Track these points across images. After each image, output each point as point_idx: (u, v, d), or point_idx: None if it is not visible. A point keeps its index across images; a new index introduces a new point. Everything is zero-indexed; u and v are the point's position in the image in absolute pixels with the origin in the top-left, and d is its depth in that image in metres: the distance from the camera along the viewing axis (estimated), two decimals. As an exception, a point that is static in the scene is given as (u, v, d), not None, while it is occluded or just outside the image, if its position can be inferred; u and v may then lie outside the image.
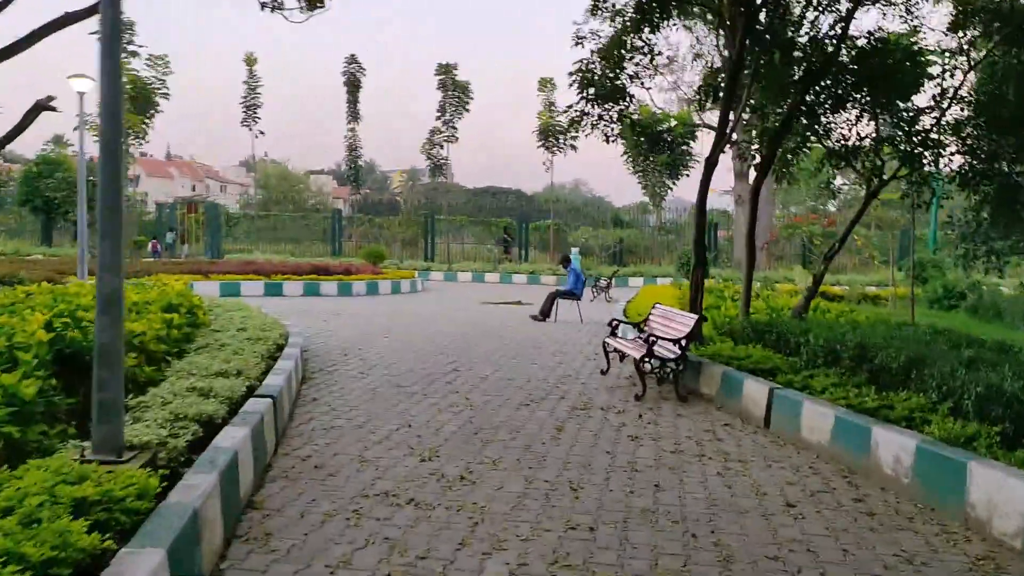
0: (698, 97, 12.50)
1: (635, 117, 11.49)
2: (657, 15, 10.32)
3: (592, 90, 11.03)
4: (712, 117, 39.22)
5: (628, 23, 10.48)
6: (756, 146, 15.35)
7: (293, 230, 47.12)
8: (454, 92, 40.30)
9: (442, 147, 41.24)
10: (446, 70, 40.07)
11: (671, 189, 39.80)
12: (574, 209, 52.61)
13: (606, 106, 11.08)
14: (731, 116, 11.13)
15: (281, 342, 9.97)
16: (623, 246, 39.87)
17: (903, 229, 33.51)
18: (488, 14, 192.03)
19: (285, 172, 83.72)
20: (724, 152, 12.05)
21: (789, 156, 13.84)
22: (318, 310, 19.01)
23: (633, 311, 16.56)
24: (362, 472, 5.86)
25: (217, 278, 22.64)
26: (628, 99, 11.19)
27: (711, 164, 10.88)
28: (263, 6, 9.52)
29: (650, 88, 11.40)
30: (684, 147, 38.85)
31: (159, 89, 30.72)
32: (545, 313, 18.36)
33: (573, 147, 39.17)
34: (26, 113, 10.78)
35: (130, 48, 28.79)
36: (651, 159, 38.41)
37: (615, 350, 10.51)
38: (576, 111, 10.95)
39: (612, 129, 11.20)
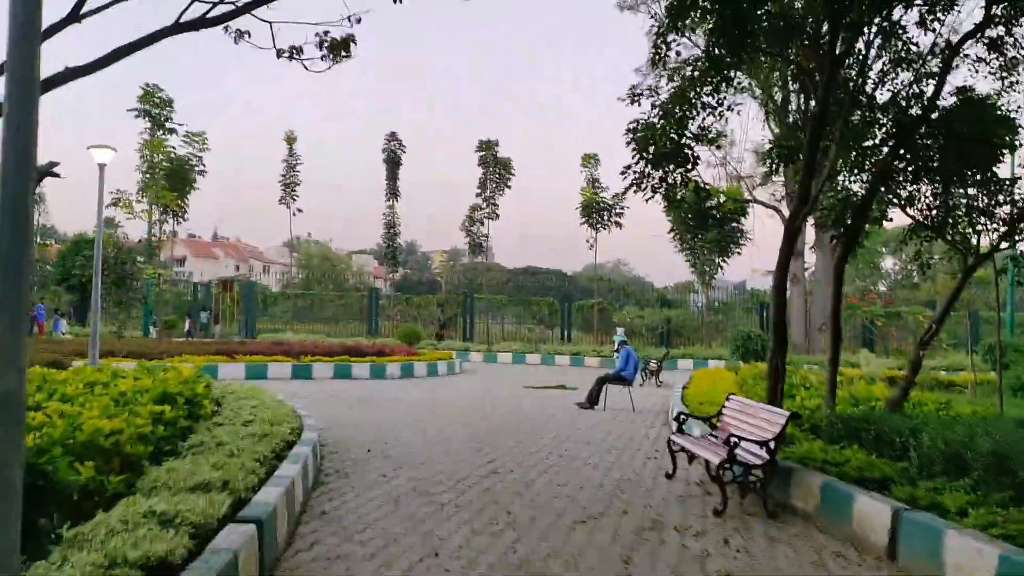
0: (769, 160, 11.09)
1: (699, 182, 10.11)
2: (727, 65, 9.04)
3: (652, 150, 9.71)
4: (763, 193, 38.00)
5: (694, 75, 9.23)
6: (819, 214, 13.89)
7: (330, 309, 46.28)
8: (495, 169, 39.62)
9: (483, 224, 40.36)
10: (487, 147, 39.50)
11: (721, 268, 38.28)
12: (617, 288, 51.11)
13: (668, 167, 9.74)
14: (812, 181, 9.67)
15: (292, 438, 8.55)
16: (670, 327, 38.21)
17: (972, 310, 31.41)
18: (528, 89, 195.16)
19: (327, 252, 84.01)
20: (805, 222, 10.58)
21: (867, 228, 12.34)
22: (346, 395, 17.63)
23: (692, 399, 14.86)
24: (368, 634, 4.32)
25: (244, 359, 21.46)
26: (693, 161, 9.85)
27: (792, 234, 9.45)
28: (279, 53, 8.46)
29: (720, 145, 9.99)
30: (734, 224, 37.69)
31: (196, 166, 30.43)
32: (593, 400, 16.76)
33: (618, 224, 38.01)
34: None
35: (168, 125, 28.66)
36: (699, 236, 37.12)
37: (683, 449, 8.91)
38: (635, 172, 9.62)
39: (675, 193, 9.84)
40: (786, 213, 35.81)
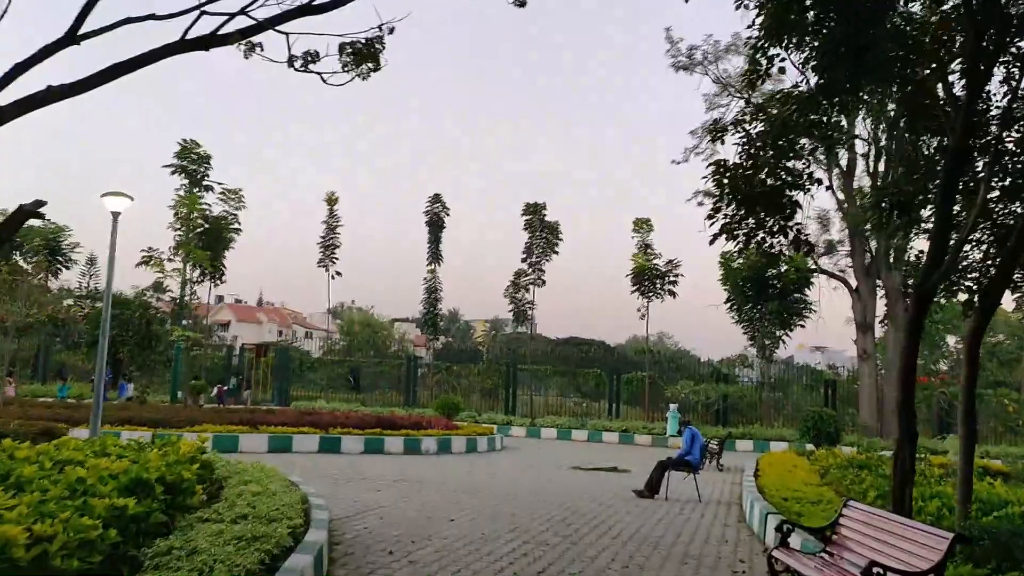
0: (880, 212, 9.26)
1: (801, 233, 8.34)
2: (840, 90, 7.35)
3: (739, 195, 7.98)
4: (827, 262, 35.84)
5: (802, 101, 7.56)
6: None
7: (368, 377, 44.73)
8: (542, 233, 38.11)
9: (527, 290, 38.64)
10: (534, 210, 38.10)
11: (783, 342, 35.92)
12: (666, 361, 48.77)
13: (761, 214, 8.00)
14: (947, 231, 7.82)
15: (289, 543, 6.74)
16: (727, 404, 35.73)
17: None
18: (571, 148, 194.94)
19: (369, 319, 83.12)
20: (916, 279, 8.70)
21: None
22: (375, 474, 15.79)
23: (772, 492, 12.73)
24: None
25: (267, 430, 19.77)
26: (792, 207, 8.10)
27: (923, 300, 7.55)
28: (291, 61, 7.01)
29: (829, 187, 8.22)
30: (797, 295, 35.52)
31: (231, 224, 29.44)
32: (653, 488, 14.70)
33: (672, 293, 36.02)
34: (6, 220, 8.39)
35: (205, 182, 27.82)
36: (758, 307, 35.01)
37: (788, 569, 6.93)
38: (724, 216, 7.89)
39: (775, 243, 8.08)
40: (853, 283, 33.57)
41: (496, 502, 12.76)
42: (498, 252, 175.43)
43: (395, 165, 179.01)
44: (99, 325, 30.04)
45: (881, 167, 30.04)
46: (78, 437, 12.58)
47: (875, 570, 5.54)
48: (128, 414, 20.75)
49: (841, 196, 32.84)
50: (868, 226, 32.00)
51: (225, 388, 33.97)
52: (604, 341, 78.44)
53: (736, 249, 8.13)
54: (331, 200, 42.09)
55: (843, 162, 32.43)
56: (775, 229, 8.03)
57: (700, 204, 36.57)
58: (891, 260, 31.81)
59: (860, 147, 30.10)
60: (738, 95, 32.17)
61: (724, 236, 7.95)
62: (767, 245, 8.12)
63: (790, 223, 8.08)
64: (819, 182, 8.23)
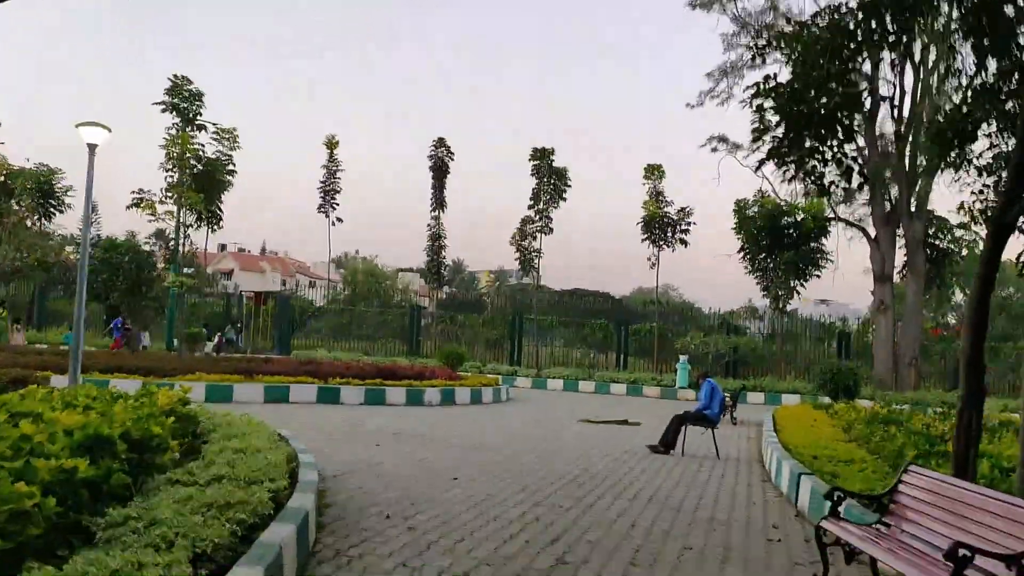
0: (939, 139, 8.20)
1: (854, 161, 7.31)
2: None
3: (789, 116, 6.94)
4: (845, 211, 34.66)
5: (865, 6, 6.48)
6: None
7: (371, 326, 44.02)
8: (550, 179, 36.81)
9: (534, 238, 37.50)
10: (542, 155, 36.76)
11: (798, 292, 34.88)
12: (675, 311, 47.85)
13: (811, 139, 6.96)
14: None
15: (269, 509, 5.88)
16: (737, 356, 34.89)
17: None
18: (568, 94, 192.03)
19: (373, 268, 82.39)
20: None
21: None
22: (374, 427, 15.01)
23: (799, 449, 11.86)
24: None
25: (263, 380, 18.98)
26: (846, 133, 7.06)
27: (1000, 237, 6.55)
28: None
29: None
30: (814, 244, 34.43)
31: (226, 165, 28.24)
32: (669, 443, 13.89)
33: (684, 242, 34.87)
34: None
35: (197, 122, 26.53)
36: (773, 257, 33.95)
37: (838, 541, 6.08)
38: (774, 137, 6.85)
39: (826, 172, 7.07)
40: (872, 232, 32.49)
41: (502, 459, 11.96)
42: (503, 205, 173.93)
43: (399, 111, 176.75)
44: (100, 271, 29.19)
45: (906, 110, 28.78)
46: (57, 386, 11.77)
47: (961, 552, 4.64)
48: (118, 362, 20.00)
49: (862, 142, 31.54)
50: (889, 173, 31.06)
51: (224, 338, 33.21)
52: (608, 292, 77.66)
53: (787, 178, 7.16)
54: (331, 144, 40.80)
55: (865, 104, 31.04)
56: (828, 156, 7.02)
57: (714, 150, 35.51)
58: (912, 209, 30.71)
59: (884, 89, 28.83)
60: (756, 36, 30.77)
61: (773, 161, 6.96)
62: (817, 175, 7.12)
63: (845, 149, 7.09)
64: (883, 99, 7.24)
